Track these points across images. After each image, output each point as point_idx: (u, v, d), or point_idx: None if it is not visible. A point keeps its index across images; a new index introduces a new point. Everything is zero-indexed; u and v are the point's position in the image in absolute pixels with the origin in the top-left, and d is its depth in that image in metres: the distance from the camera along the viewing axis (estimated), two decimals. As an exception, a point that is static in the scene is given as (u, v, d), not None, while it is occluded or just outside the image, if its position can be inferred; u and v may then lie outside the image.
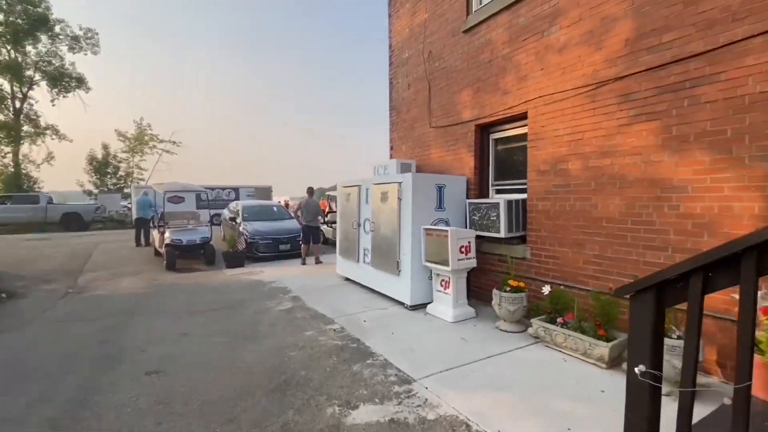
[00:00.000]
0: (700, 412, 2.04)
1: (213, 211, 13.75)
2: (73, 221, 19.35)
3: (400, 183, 5.44)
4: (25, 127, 23.27)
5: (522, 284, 4.43)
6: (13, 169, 22.48)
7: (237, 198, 24.47)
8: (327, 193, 16.31)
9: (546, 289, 4.09)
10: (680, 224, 3.46)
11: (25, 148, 23.43)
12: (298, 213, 10.02)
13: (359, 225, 6.66)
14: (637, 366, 1.64)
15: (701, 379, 3.18)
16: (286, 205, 20.85)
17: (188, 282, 7.83)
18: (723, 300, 3.14)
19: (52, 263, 9.90)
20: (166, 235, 9.55)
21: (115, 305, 6.17)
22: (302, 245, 9.77)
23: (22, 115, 22.88)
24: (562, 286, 4.39)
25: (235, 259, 9.54)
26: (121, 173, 27.98)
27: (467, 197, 5.79)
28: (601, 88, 4.06)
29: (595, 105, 4.13)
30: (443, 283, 5.07)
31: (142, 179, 28.63)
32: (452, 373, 3.49)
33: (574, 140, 4.35)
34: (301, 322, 5.06)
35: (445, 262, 4.87)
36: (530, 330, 4.32)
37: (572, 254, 4.37)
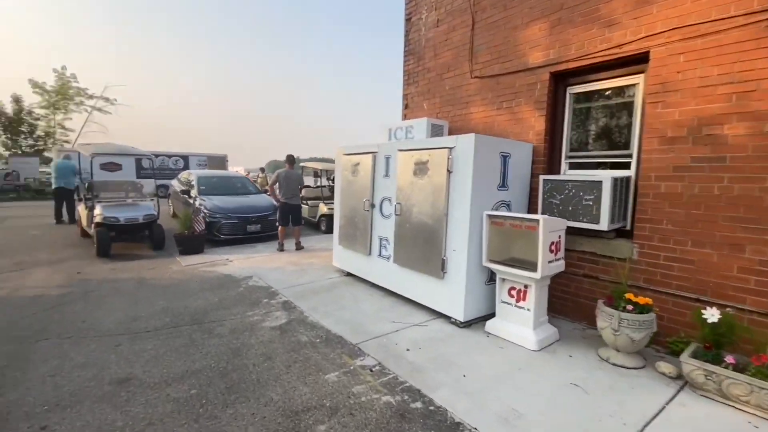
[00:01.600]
0: None
1: (159, 182, 11.24)
2: (-27, 190, 15.65)
3: (450, 149, 3.80)
4: None
5: (649, 301, 3.06)
6: None
7: (186, 167, 21.38)
8: (302, 164, 14.18)
9: (711, 314, 2.73)
10: None
11: None
12: (275, 187, 8.06)
13: (373, 206, 4.96)
14: None
15: None
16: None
17: (128, 276, 5.75)
18: None
19: (-74, 247, 7.22)
20: (97, 211, 7.22)
21: (14, 316, 4.08)
22: (279, 227, 7.88)
23: None
24: (693, 301, 3.09)
25: (191, 244, 7.46)
26: (39, 133, 23.41)
27: (532, 172, 4.29)
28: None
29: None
30: (515, 292, 3.60)
31: (68, 141, 24.23)
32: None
33: (738, 93, 2.94)
34: (310, 351, 3.38)
35: (526, 265, 3.39)
36: (661, 366, 3.01)
37: (719, 258, 3.06)
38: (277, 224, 8.06)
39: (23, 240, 8.15)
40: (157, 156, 19.83)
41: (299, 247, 7.91)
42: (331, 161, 12.82)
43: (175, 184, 11.09)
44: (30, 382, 2.86)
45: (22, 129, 22.66)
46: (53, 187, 10.08)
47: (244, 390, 2.78)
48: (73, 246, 7.78)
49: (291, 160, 8.07)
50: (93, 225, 7.28)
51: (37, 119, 23.26)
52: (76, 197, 9.85)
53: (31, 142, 23.19)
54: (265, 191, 12.13)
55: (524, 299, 3.53)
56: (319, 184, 12.51)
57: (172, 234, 7.79)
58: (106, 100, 24.86)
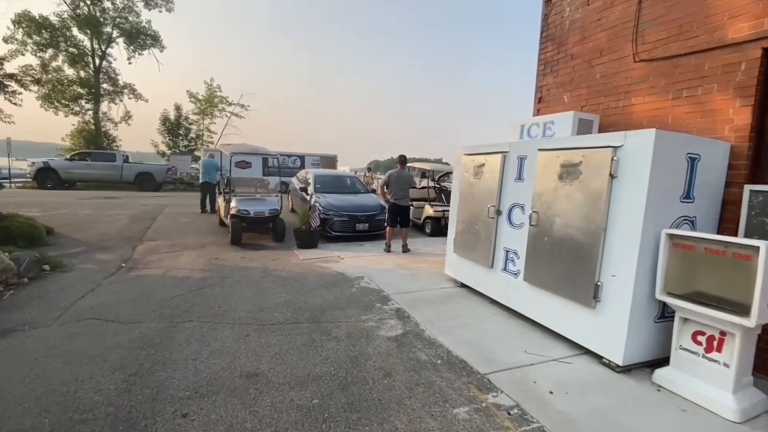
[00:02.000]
0: None
1: (284, 179, 12.24)
2: (145, 181, 19.28)
3: (615, 148, 3.06)
4: (104, 85, 23.60)
5: None
6: (93, 127, 23.04)
7: (303, 166, 23.29)
8: (408, 165, 14.17)
9: None
10: None
11: (104, 106, 23.93)
12: (384, 188, 7.99)
13: (499, 213, 4.41)
14: None
15: None
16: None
17: (255, 266, 6.21)
18: None
19: (113, 226, 8.95)
20: (232, 204, 8.06)
21: (166, 295, 4.64)
22: (387, 228, 7.78)
23: (101, 73, 23.15)
24: None
25: (308, 239, 7.83)
26: (192, 135, 28.02)
27: (727, 179, 3.26)
28: None
29: None
30: (705, 339, 2.71)
31: (212, 142, 28.53)
32: None
33: None
34: (432, 374, 3.03)
35: (727, 305, 2.50)
36: None
37: None
38: (385, 225, 7.99)
39: (176, 225, 9.58)
40: (274, 156, 22.05)
41: (406, 249, 7.71)
42: (437, 162, 12.45)
43: (295, 182, 11.93)
44: (176, 364, 3.09)
45: (180, 132, 27.39)
46: (200, 181, 11.75)
47: (366, 410, 2.55)
48: (213, 233, 8.85)
49: (403, 160, 7.91)
50: (229, 216, 8.16)
51: (191, 124, 27.86)
52: (217, 191, 11.30)
53: (185, 142, 27.90)
54: (373, 191, 12.35)
55: (720, 350, 2.63)
56: (425, 185, 12.22)
57: (290, 228, 8.32)
58: (242, 106, 28.58)
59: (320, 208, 8.59)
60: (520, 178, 4.14)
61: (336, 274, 5.87)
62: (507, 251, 4.29)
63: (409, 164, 13.09)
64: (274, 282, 5.38)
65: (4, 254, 5.27)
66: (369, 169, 21.69)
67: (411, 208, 10.67)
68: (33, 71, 8.74)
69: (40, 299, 4.46)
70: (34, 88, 8.63)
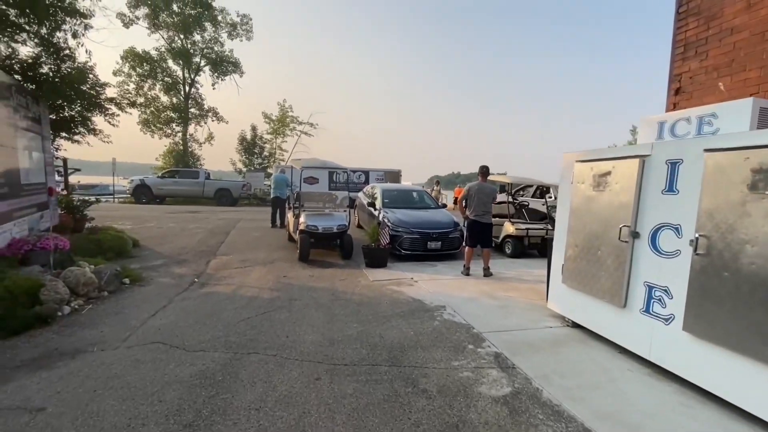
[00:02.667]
0: None
1: (353, 194, 11.94)
2: (224, 196, 20.49)
3: None
4: (192, 110, 25.92)
5: None
6: (182, 147, 25.30)
7: (367, 181, 23.21)
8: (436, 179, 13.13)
9: None
10: None
11: (191, 128, 26.23)
12: (463, 203, 7.16)
13: (636, 235, 3.36)
14: None
15: None
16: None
17: (323, 286, 5.72)
18: None
19: (192, 240, 9.19)
20: (301, 219, 7.80)
21: (233, 317, 4.27)
22: (467, 248, 6.90)
23: (190, 99, 25.49)
24: None
25: (377, 257, 7.23)
26: (265, 153, 29.61)
27: None
28: None
29: None
30: None
31: (283, 160, 29.88)
32: None
33: None
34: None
35: None
36: None
37: None
38: (464, 244, 7.11)
39: (248, 240, 9.61)
40: (344, 170, 22.20)
41: (488, 273, 6.74)
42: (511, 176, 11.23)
43: (361, 197, 11.55)
44: (237, 414, 2.54)
45: (255, 150, 29.09)
46: (271, 196, 11.90)
47: None
48: (282, 248, 8.67)
49: (485, 171, 7.02)
50: (297, 231, 7.90)
51: (265, 143, 29.49)
52: (286, 206, 11.30)
53: (259, 160, 29.54)
54: (444, 205, 11.51)
55: None
56: (505, 200, 11.11)
57: (357, 244, 7.82)
58: (311, 125, 29.66)
59: (389, 224, 7.98)
60: (671, 189, 3.08)
61: (412, 301, 5.14)
62: (650, 287, 3.22)
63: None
64: (344, 307, 4.79)
65: (88, 267, 5.36)
66: (437, 183, 20.80)
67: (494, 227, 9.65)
68: (129, 94, 9.41)
69: (114, 315, 4.33)
70: (130, 110, 9.15)
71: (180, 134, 25.65)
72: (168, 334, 3.81)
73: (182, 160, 24.71)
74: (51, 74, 7.27)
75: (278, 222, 11.68)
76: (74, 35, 7.58)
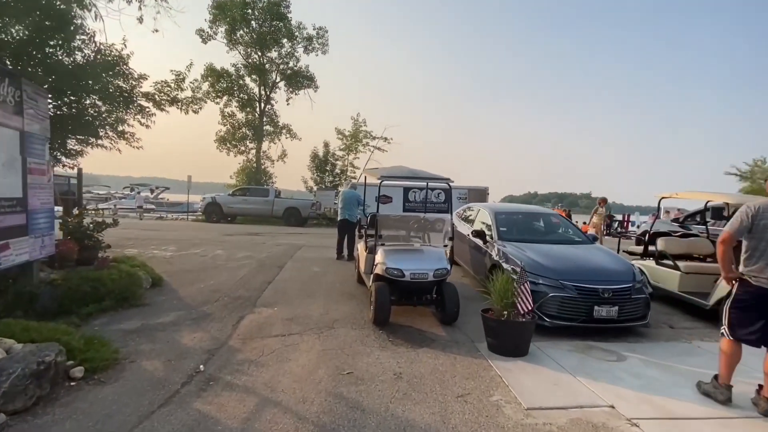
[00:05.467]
0: None
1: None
2: (292, 216, 18.99)
3: None
4: (266, 126, 25.37)
5: None
6: (255, 165, 24.69)
7: (447, 201, 20.00)
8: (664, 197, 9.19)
9: None
10: None
11: (264, 145, 25.63)
12: (735, 234, 3.65)
13: None
14: None
15: None
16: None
17: (423, 412, 2.65)
18: None
19: (233, 276, 6.87)
20: (378, 258, 4.95)
21: None
22: (726, 340, 3.37)
23: (264, 116, 24.97)
24: None
25: (511, 337, 4.05)
26: (337, 171, 28.13)
27: None
28: None
29: None
30: None
31: (354, 177, 28.11)
32: None
33: None
34: None
35: None
36: None
37: None
38: (724, 333, 3.68)
39: (304, 279, 7.02)
40: (421, 187, 19.21)
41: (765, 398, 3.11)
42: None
43: (456, 222, 8.26)
44: None
45: (327, 168, 27.72)
46: (338, 218, 9.24)
47: None
48: (348, 297, 5.90)
49: None
50: (372, 276, 5.05)
51: (337, 159, 28.02)
52: (356, 232, 8.53)
53: (331, 178, 28.08)
54: (594, 238, 7.09)
55: None
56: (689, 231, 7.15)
57: (463, 297, 4.70)
58: (385, 139, 27.54)
59: (523, 270, 4.71)
60: None
61: None
62: None
63: (666, 197, 8.01)
64: None
65: None
66: (604, 201, 12.06)
67: (674, 272, 5.79)
68: (168, 88, 7.66)
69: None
70: (168, 108, 7.22)
71: (254, 151, 25.16)
72: None
73: (254, 178, 24.00)
74: (54, 56, 5.47)
75: (345, 252, 9.01)
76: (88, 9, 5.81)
